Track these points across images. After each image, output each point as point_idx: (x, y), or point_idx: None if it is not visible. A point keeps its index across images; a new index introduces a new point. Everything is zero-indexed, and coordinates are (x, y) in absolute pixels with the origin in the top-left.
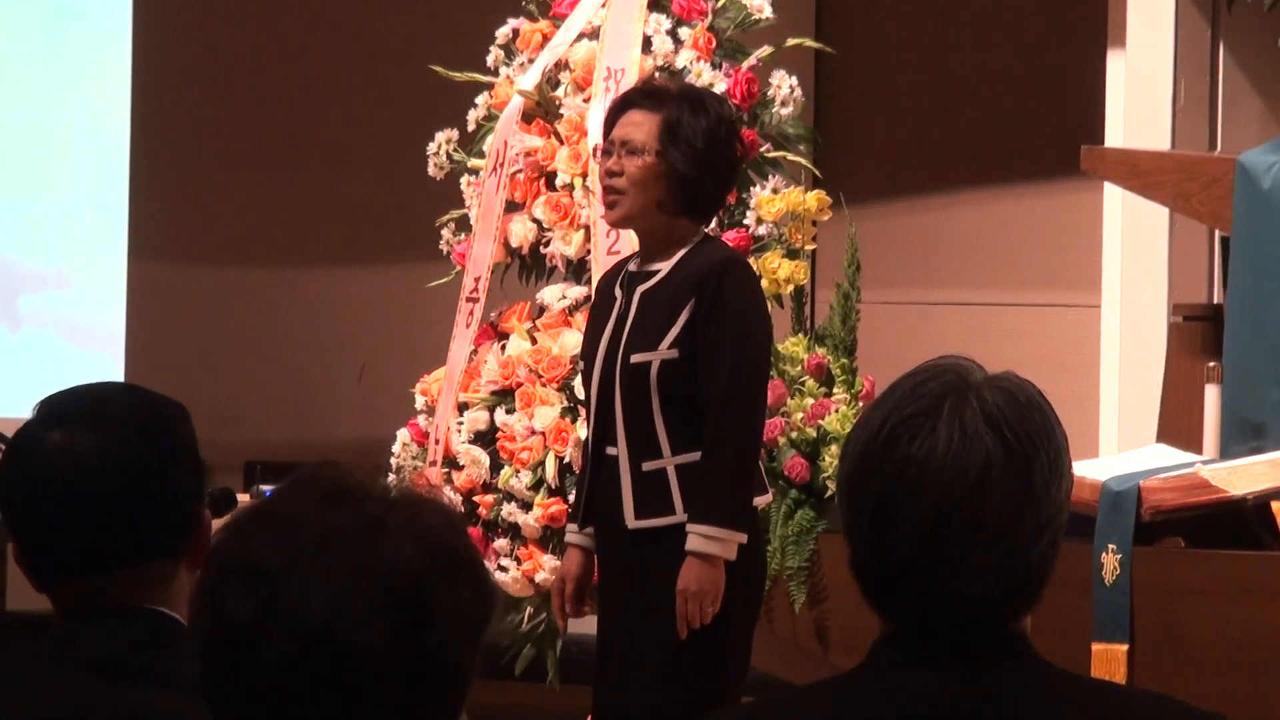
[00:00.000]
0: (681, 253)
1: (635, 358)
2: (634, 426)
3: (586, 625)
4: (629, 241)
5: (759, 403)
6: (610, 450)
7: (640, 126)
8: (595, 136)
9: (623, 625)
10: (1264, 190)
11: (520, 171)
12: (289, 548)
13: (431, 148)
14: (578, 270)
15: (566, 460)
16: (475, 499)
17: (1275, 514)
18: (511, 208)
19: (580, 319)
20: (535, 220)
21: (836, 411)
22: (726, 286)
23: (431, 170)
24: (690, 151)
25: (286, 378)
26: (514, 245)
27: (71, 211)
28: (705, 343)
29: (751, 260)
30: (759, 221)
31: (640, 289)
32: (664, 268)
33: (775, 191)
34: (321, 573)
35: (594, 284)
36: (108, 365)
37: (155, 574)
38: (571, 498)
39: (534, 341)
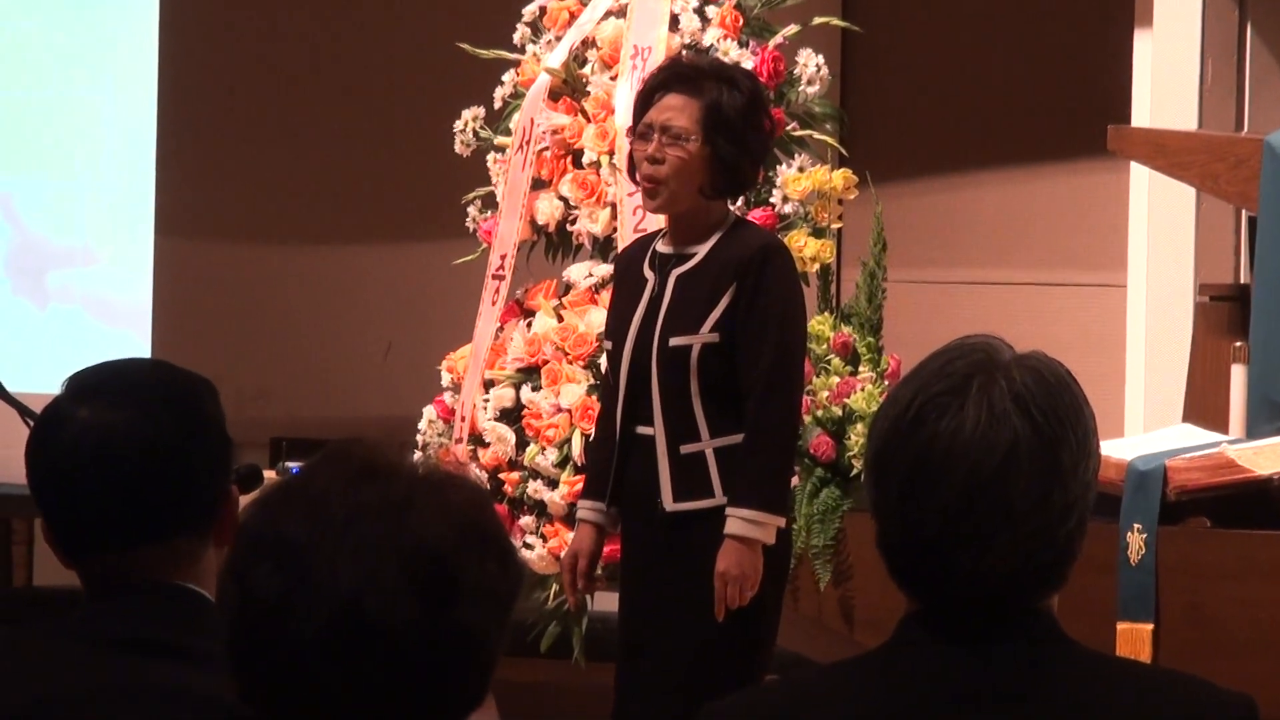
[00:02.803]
0: (717, 235)
1: (675, 341)
2: (671, 409)
3: (612, 602)
4: (656, 219)
5: (799, 389)
6: (643, 431)
7: (682, 111)
8: (622, 114)
9: (657, 606)
10: None
11: (547, 149)
12: (317, 524)
13: (458, 125)
14: (604, 248)
15: (593, 438)
16: (501, 476)
17: None
18: (538, 185)
19: (606, 296)
20: (562, 198)
21: (862, 390)
22: (770, 272)
23: (458, 148)
24: (732, 135)
25: (313, 354)
26: (540, 223)
27: (99, 188)
28: (748, 328)
29: (782, 239)
30: (785, 200)
31: (676, 272)
32: (700, 250)
33: (801, 170)
34: (350, 549)
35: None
36: (134, 342)
37: (182, 550)
38: (590, 474)
39: (560, 319)
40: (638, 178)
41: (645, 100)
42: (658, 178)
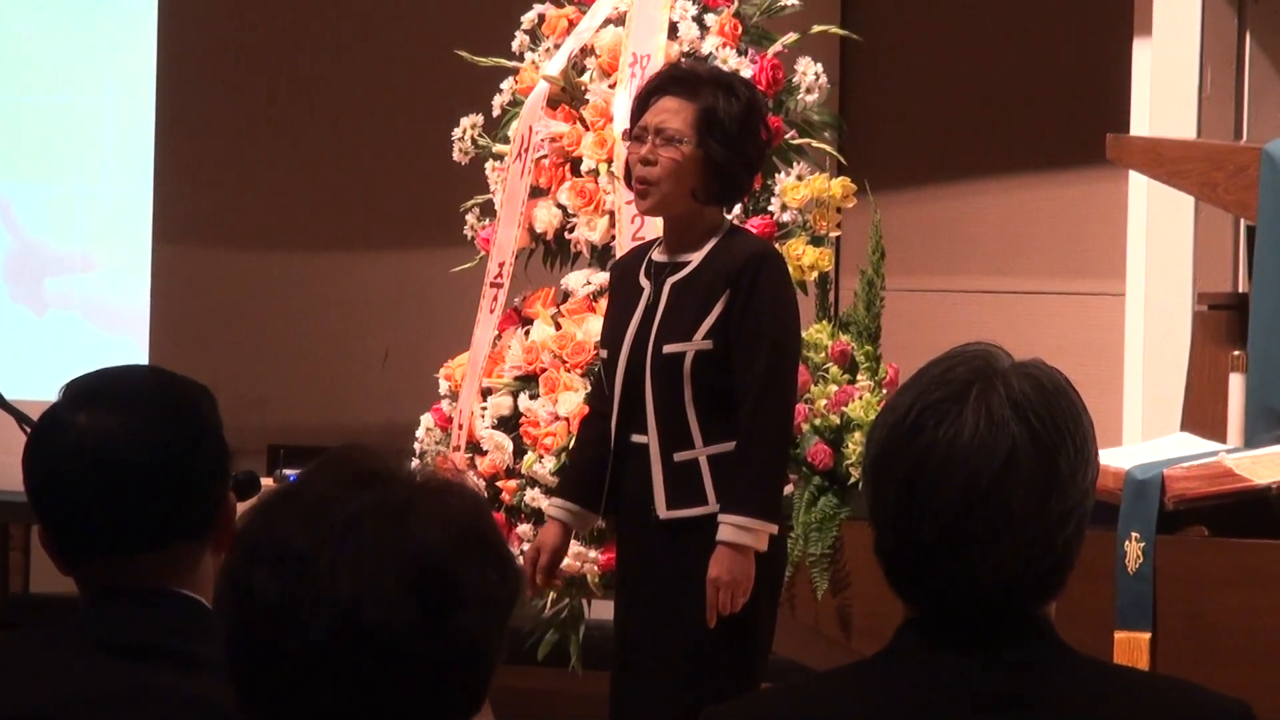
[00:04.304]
0: (712, 243)
1: (669, 348)
2: (665, 417)
3: (609, 610)
4: (654, 227)
5: (792, 396)
6: (637, 439)
7: (676, 114)
8: (621, 122)
9: (651, 614)
10: None
11: (545, 157)
12: (317, 530)
13: (456, 133)
14: (602, 256)
15: (575, 440)
16: (498, 484)
17: None
18: (536, 193)
19: (604, 305)
20: (560, 206)
21: (860, 398)
22: (762, 279)
23: (456, 155)
24: (726, 140)
25: (311, 361)
26: (539, 230)
27: (97, 194)
28: (741, 335)
29: (777, 248)
30: (784, 208)
31: (670, 280)
32: (695, 258)
33: (800, 178)
34: (349, 555)
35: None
36: (132, 348)
37: (180, 557)
38: (566, 474)
39: (558, 327)
40: (632, 181)
41: (642, 104)
42: (650, 179)
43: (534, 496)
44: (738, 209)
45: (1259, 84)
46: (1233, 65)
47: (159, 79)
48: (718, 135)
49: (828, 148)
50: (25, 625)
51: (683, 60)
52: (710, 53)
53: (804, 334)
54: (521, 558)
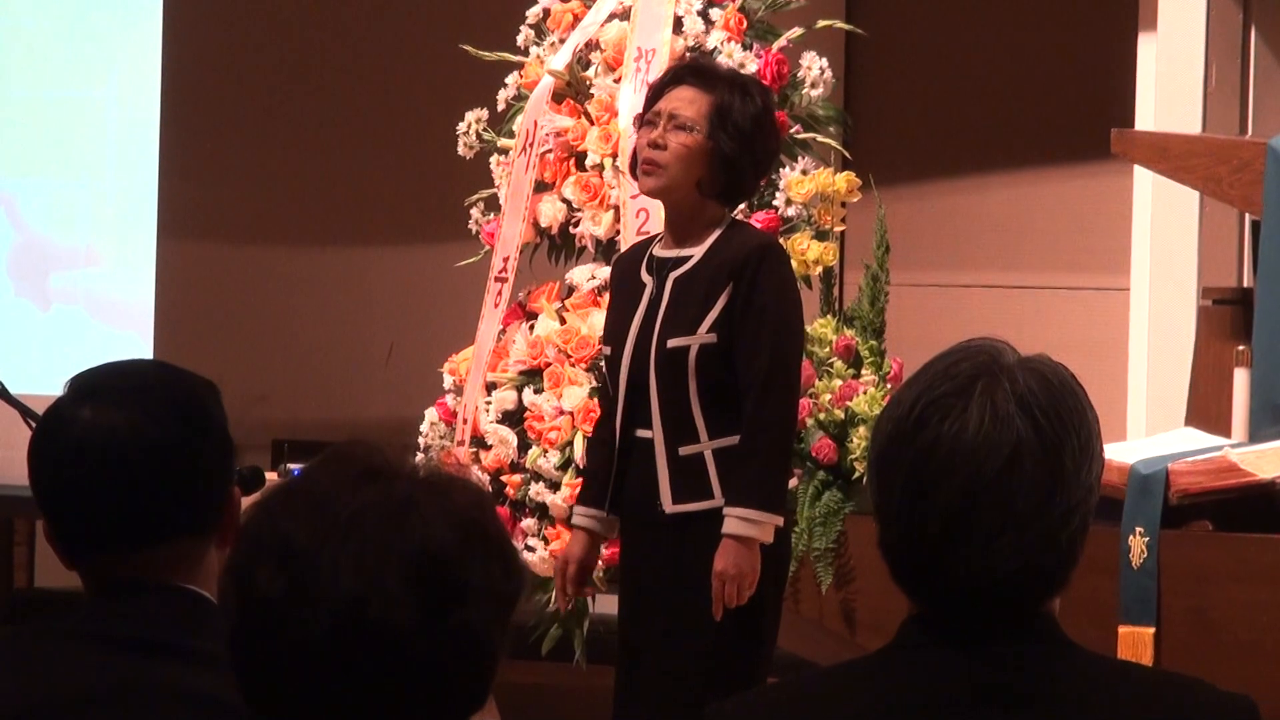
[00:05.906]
0: (713, 237)
1: (672, 342)
2: (670, 411)
3: (613, 605)
4: (658, 222)
5: (796, 389)
6: (643, 434)
7: (691, 104)
8: (626, 117)
9: (656, 608)
10: None
11: (550, 151)
12: (319, 526)
13: (461, 127)
14: (607, 250)
15: (590, 443)
16: (503, 479)
17: None
18: (541, 188)
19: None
20: (565, 200)
21: (864, 393)
22: (765, 272)
23: (461, 150)
24: (738, 136)
25: (315, 356)
26: (543, 225)
27: (102, 189)
28: (744, 328)
29: (780, 241)
30: (788, 203)
31: (673, 275)
32: (696, 252)
33: (805, 173)
34: (352, 551)
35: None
36: (137, 343)
37: (185, 551)
38: (586, 481)
39: (563, 322)
40: (639, 162)
41: (657, 92)
42: (658, 161)
43: (538, 491)
44: (742, 205)
45: (1264, 78)
46: (1237, 60)
47: (164, 74)
48: (729, 130)
49: (832, 142)
50: (29, 620)
51: (688, 55)
52: (715, 47)
53: (809, 329)
54: (525, 553)
